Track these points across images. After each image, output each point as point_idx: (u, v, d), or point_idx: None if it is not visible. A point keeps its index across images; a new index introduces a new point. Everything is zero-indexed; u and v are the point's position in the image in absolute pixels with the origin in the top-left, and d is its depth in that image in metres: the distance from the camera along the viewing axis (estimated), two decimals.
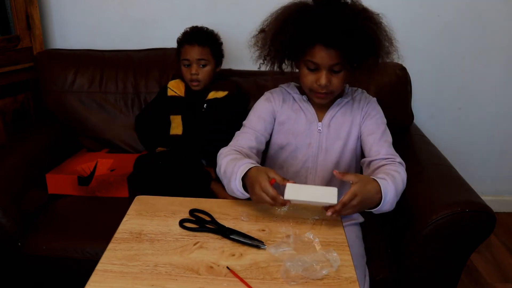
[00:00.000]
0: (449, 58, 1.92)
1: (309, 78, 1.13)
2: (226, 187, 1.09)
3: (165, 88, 1.66)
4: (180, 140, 1.60)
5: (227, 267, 0.83)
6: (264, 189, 0.95)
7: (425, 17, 1.86)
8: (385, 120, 1.24)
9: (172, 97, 1.64)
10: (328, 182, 1.24)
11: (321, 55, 1.07)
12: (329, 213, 0.93)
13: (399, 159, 1.15)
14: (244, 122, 1.26)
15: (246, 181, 1.01)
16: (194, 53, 1.55)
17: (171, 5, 1.88)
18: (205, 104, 1.59)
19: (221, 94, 1.60)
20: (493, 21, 1.86)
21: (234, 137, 1.22)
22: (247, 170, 1.01)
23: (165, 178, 1.44)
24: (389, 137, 1.21)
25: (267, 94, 1.29)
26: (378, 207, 1.01)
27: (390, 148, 1.18)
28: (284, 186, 0.95)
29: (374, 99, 1.27)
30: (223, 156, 1.12)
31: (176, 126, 1.61)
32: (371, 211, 1.04)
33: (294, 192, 0.94)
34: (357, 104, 1.23)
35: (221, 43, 1.63)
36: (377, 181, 1.00)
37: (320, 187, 0.97)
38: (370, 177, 1.02)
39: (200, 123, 1.59)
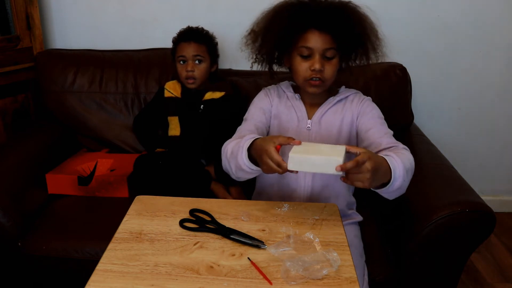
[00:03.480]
0: (449, 58, 1.92)
1: (303, 66, 1.14)
2: (234, 170, 1.06)
3: (162, 89, 1.66)
4: (179, 141, 1.59)
5: (248, 258, 0.84)
6: (269, 155, 0.92)
7: (425, 17, 1.86)
8: (382, 116, 1.22)
9: (169, 98, 1.64)
10: (320, 179, 1.22)
11: (315, 39, 1.11)
12: (338, 168, 0.86)
13: (402, 145, 1.10)
14: (245, 116, 1.26)
15: (254, 153, 1.00)
16: (190, 49, 1.55)
17: (171, 5, 1.87)
18: (202, 105, 1.59)
19: (217, 94, 1.60)
20: (493, 21, 1.86)
21: (236, 131, 1.22)
22: (252, 141, 1.01)
23: (165, 178, 1.44)
24: (388, 130, 1.18)
25: (264, 89, 1.32)
26: (390, 183, 0.95)
27: (391, 139, 1.14)
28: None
29: (369, 98, 1.26)
30: (228, 143, 1.11)
31: (174, 127, 1.61)
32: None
33: (297, 164, 0.90)
34: (350, 103, 1.23)
35: (217, 43, 1.63)
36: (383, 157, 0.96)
37: (324, 156, 0.89)
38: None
39: (197, 124, 1.58)
